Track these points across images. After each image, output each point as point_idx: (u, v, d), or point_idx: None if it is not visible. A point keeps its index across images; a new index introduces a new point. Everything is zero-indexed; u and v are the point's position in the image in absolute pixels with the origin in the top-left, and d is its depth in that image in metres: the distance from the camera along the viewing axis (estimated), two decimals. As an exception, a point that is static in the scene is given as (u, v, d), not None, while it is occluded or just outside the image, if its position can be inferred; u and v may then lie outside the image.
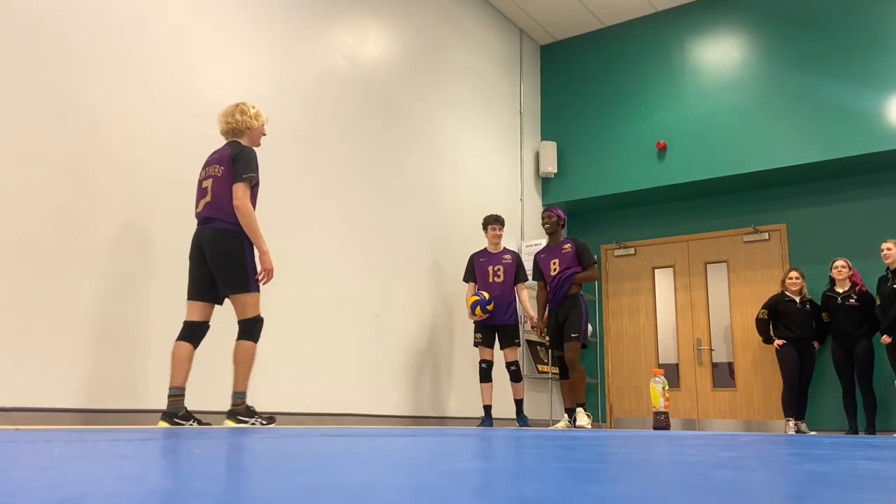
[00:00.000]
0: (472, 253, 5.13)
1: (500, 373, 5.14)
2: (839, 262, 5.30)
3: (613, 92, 6.60)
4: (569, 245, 4.95)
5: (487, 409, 4.98)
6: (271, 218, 4.11)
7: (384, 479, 0.90)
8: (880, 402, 5.16)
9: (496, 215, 5.11)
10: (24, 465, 1.03)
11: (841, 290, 5.27)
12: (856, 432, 5.17)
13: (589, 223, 6.98)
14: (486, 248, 5.09)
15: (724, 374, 6.23)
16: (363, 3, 5.04)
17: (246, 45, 4.13)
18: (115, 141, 3.39)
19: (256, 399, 3.85)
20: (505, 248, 5.13)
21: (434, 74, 5.61)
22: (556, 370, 6.46)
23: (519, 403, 5.04)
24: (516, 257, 5.09)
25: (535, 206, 6.67)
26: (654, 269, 6.67)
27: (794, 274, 5.51)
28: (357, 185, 4.76)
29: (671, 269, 6.59)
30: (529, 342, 6.27)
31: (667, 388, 5.70)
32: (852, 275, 5.30)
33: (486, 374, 4.98)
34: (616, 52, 6.67)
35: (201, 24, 3.89)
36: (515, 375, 4.97)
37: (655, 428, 5.63)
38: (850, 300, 5.18)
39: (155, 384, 3.41)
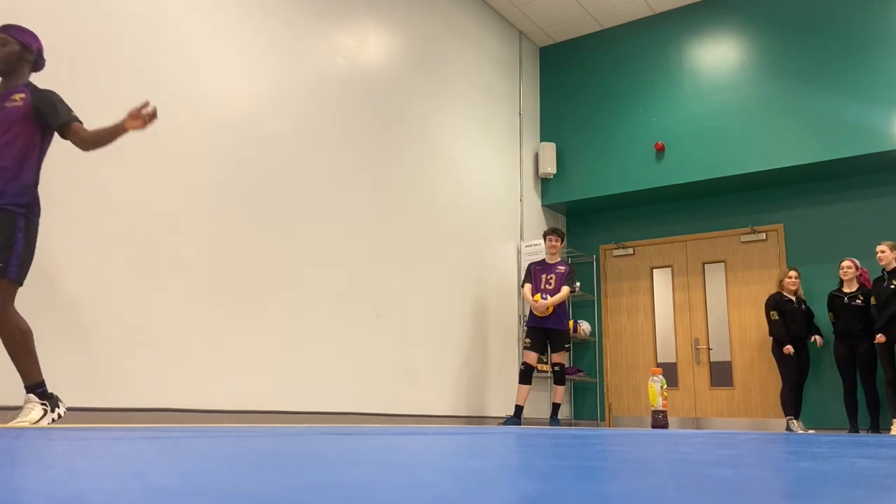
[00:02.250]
0: (530, 262, 5.65)
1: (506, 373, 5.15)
2: (845, 263, 5.32)
3: (612, 93, 6.62)
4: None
5: (518, 409, 5.20)
6: (272, 218, 4.12)
7: (384, 477, 0.91)
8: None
9: (553, 228, 5.64)
10: (26, 464, 1.03)
11: (848, 291, 5.28)
12: (856, 431, 5.20)
13: (588, 223, 7.00)
14: (544, 259, 5.54)
15: (722, 373, 6.24)
16: (364, 4, 5.04)
17: (247, 46, 4.14)
18: (115, 142, 3.39)
19: (263, 397, 3.86)
20: (561, 260, 5.52)
21: (434, 76, 5.62)
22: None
23: (556, 407, 5.32)
24: (570, 269, 5.46)
25: (534, 206, 6.69)
26: (652, 268, 6.69)
27: (793, 273, 5.54)
28: (357, 186, 4.77)
29: (669, 268, 6.60)
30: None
31: (665, 387, 5.71)
32: (860, 275, 5.32)
33: (523, 376, 5.24)
34: (614, 54, 6.69)
35: (202, 25, 3.90)
36: (558, 377, 5.28)
37: (654, 427, 5.64)
38: (856, 300, 5.20)
39: (157, 383, 3.41)
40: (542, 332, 5.31)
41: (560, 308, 5.34)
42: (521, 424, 5.14)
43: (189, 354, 3.59)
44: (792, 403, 5.40)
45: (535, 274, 5.41)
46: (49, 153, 3.15)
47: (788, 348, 5.40)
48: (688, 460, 1.34)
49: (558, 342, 5.31)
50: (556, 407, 5.35)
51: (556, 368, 5.28)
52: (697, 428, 6.14)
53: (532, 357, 5.26)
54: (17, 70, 2.73)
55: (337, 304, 4.45)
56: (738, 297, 6.21)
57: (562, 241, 5.47)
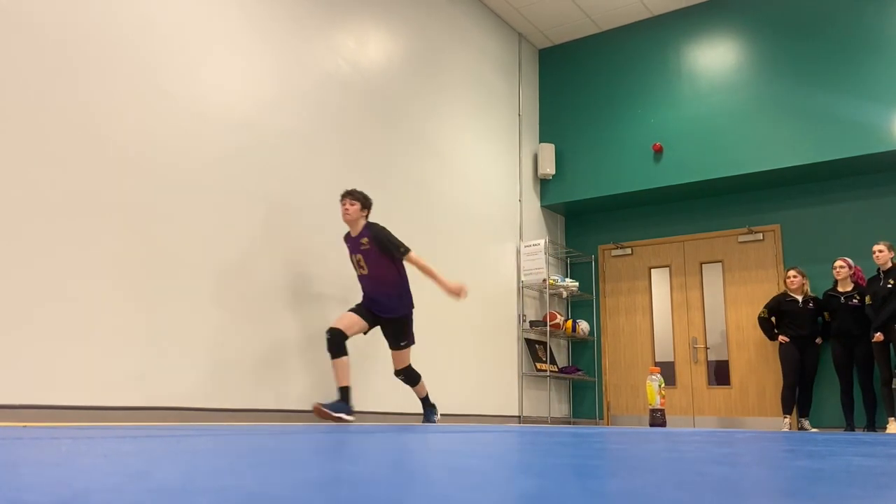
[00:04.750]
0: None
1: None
2: (838, 262, 5.34)
3: (610, 95, 6.63)
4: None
5: (344, 391, 3.80)
6: (272, 219, 4.13)
7: (385, 475, 0.91)
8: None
9: (349, 189, 3.99)
10: (30, 462, 1.04)
11: (843, 290, 5.30)
12: (853, 429, 5.22)
13: (586, 224, 7.02)
14: (349, 231, 4.05)
15: (719, 372, 6.26)
16: (365, 6, 5.05)
17: (248, 49, 4.14)
18: (118, 143, 3.40)
19: (263, 396, 3.87)
20: (365, 226, 3.95)
21: (434, 77, 5.63)
22: (555, 368, 6.53)
23: (424, 401, 4.30)
24: (373, 233, 3.90)
25: (533, 207, 6.70)
26: (650, 268, 6.70)
27: (791, 273, 5.55)
28: (357, 186, 4.77)
29: (667, 268, 6.62)
30: (528, 340, 6.29)
31: (663, 385, 5.73)
32: (854, 273, 5.33)
33: (334, 346, 3.77)
34: (613, 56, 6.70)
35: (204, 28, 3.90)
36: (410, 379, 4.16)
37: (652, 425, 5.66)
38: (853, 300, 5.22)
39: (158, 382, 3.42)
40: (373, 318, 3.97)
41: (401, 286, 3.94)
42: (351, 410, 3.84)
43: (190, 353, 3.59)
44: (790, 402, 5.43)
45: (350, 252, 4.05)
46: (59, 153, 3.15)
47: (782, 338, 5.44)
48: (686, 458, 1.35)
49: (393, 336, 3.97)
50: (424, 401, 4.30)
51: (402, 378, 4.12)
52: (695, 426, 6.16)
53: (346, 321, 3.81)
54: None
55: (337, 304, 4.46)
56: (735, 297, 6.23)
57: (361, 205, 3.92)
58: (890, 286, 4.97)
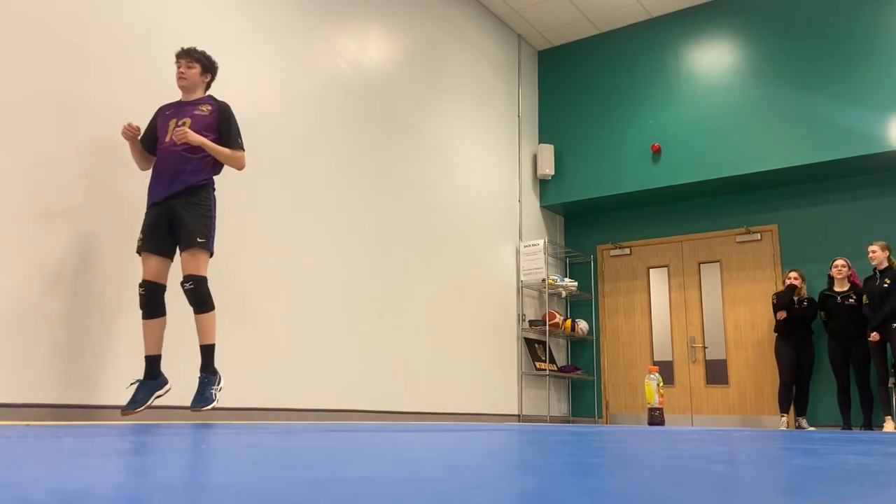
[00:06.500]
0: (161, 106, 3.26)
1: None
2: (839, 262, 5.36)
3: (609, 96, 6.65)
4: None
5: (152, 360, 2.99)
6: (275, 220, 4.13)
7: (386, 473, 0.92)
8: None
9: (186, 48, 3.20)
10: (33, 460, 1.04)
11: (839, 290, 5.33)
12: (849, 428, 5.24)
13: (585, 224, 7.04)
14: (178, 100, 3.23)
15: (717, 372, 6.28)
16: (366, 9, 5.06)
17: (250, 51, 4.15)
18: (121, 145, 3.40)
19: (264, 395, 3.87)
20: (209, 97, 3.20)
21: (435, 79, 5.64)
22: (554, 367, 6.53)
23: (207, 351, 3.00)
24: (220, 110, 3.14)
25: (532, 207, 6.71)
26: (649, 268, 6.72)
27: (792, 274, 5.59)
28: (358, 187, 4.79)
29: (666, 268, 6.63)
30: (528, 340, 6.30)
31: (661, 384, 5.76)
32: (851, 275, 5.36)
33: (145, 305, 2.97)
34: (612, 58, 6.72)
35: (206, 30, 3.90)
36: (195, 298, 2.94)
37: (650, 424, 5.69)
38: (850, 300, 5.25)
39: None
40: (166, 213, 2.99)
41: (197, 159, 3.03)
42: (162, 385, 3.01)
43: (191, 353, 3.59)
44: (787, 400, 5.46)
45: (161, 122, 3.15)
46: (59, 153, 3.15)
47: (782, 314, 5.47)
48: (684, 457, 1.36)
49: (187, 230, 2.96)
50: (207, 351, 3.00)
51: (188, 285, 2.93)
52: (693, 425, 6.17)
53: (153, 266, 2.97)
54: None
55: (338, 303, 4.46)
56: (733, 297, 6.24)
57: (202, 67, 3.18)
58: (886, 285, 5.00)
